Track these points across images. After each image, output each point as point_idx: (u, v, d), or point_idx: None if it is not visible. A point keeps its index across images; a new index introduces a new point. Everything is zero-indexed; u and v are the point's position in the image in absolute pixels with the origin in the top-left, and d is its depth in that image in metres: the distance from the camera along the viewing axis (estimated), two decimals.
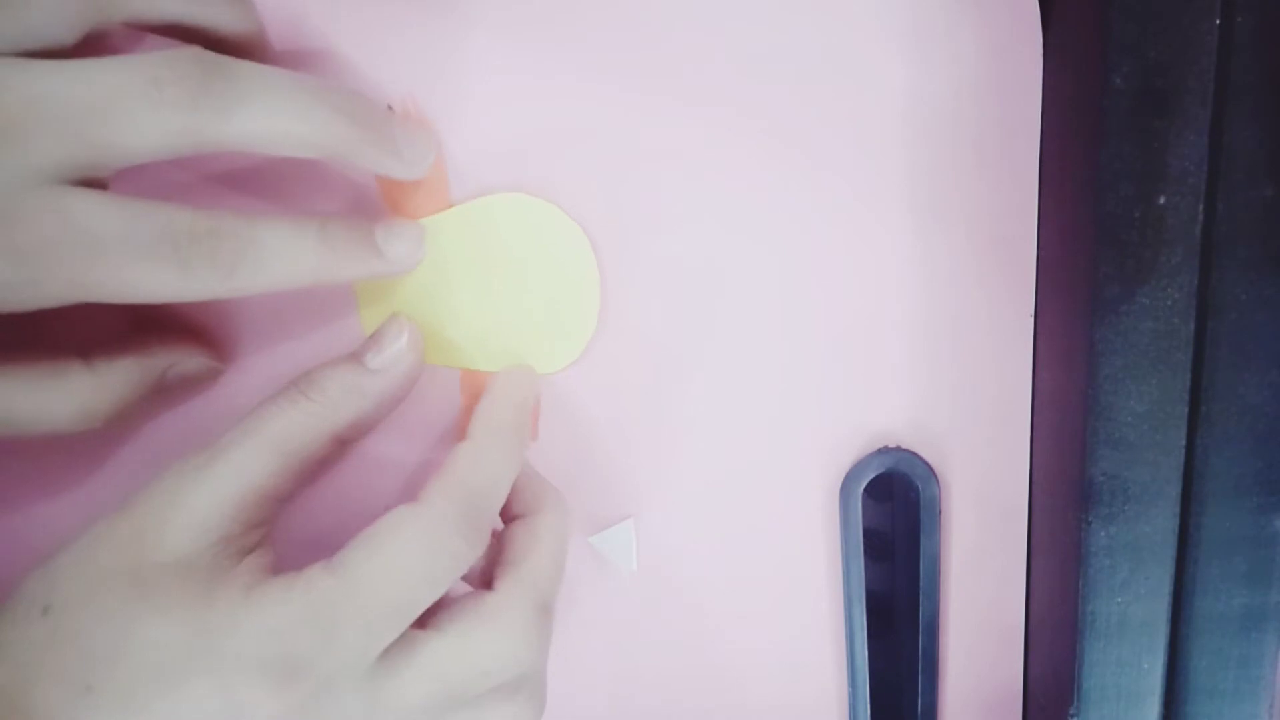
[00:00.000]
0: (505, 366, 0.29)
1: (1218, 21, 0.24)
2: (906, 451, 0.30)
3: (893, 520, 0.34)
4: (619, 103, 0.27)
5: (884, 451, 0.30)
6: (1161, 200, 0.24)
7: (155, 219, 0.22)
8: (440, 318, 0.28)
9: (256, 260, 0.23)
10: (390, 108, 0.27)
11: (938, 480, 0.30)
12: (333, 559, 0.24)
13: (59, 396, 0.24)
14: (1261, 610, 0.28)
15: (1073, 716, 0.29)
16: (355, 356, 0.26)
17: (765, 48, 0.27)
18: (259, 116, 0.23)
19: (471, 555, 0.24)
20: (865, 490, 0.30)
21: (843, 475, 0.30)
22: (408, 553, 0.24)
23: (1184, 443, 0.26)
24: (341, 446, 0.26)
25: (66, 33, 0.22)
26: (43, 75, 0.21)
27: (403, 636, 0.24)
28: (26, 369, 0.24)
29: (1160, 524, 0.27)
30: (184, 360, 0.27)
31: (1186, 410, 0.26)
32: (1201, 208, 0.25)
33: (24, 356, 0.24)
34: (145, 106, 0.21)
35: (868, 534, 0.31)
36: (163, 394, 0.27)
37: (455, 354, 0.29)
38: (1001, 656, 0.32)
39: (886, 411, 0.30)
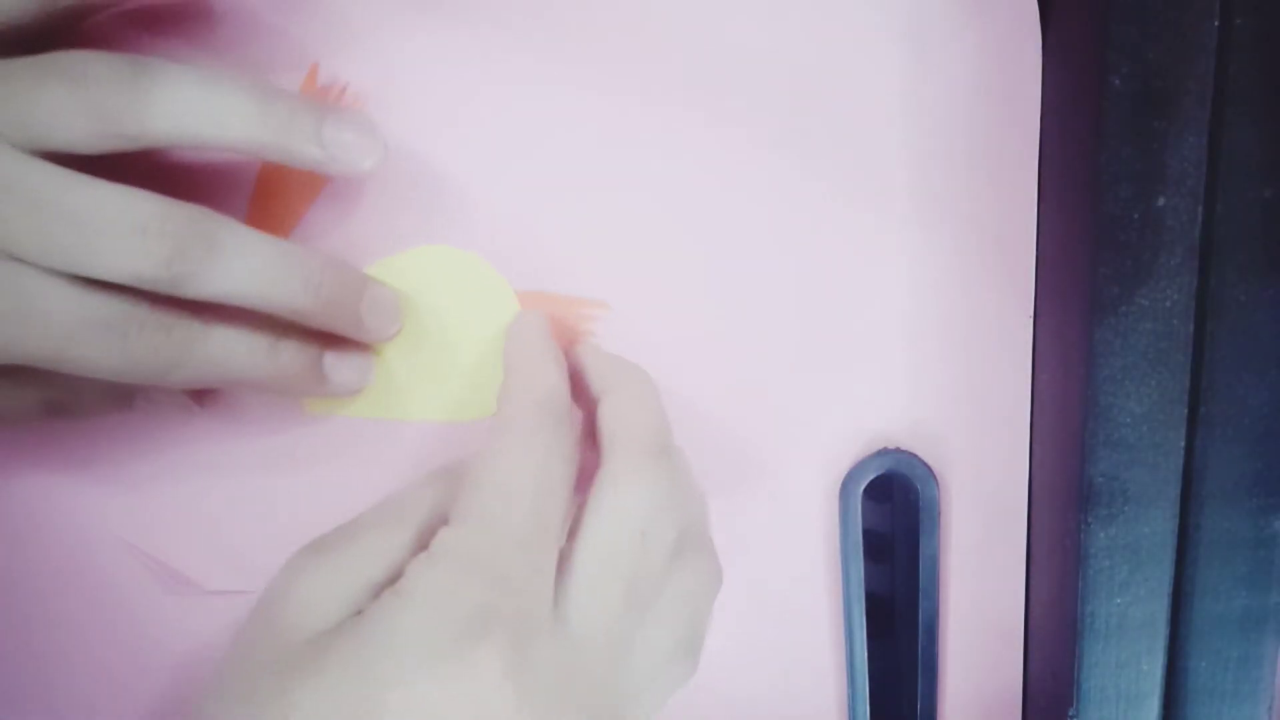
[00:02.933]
0: (438, 412, 0.29)
1: (1217, 22, 0.23)
2: (906, 453, 0.30)
3: (892, 521, 0.34)
4: (616, 103, 0.27)
5: (883, 453, 0.30)
6: (1161, 201, 0.24)
7: (109, 308, 0.22)
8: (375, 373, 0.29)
9: (199, 363, 0.24)
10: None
11: (937, 481, 0.30)
12: (450, 517, 0.23)
13: (27, 391, 0.25)
14: (1261, 611, 0.28)
15: (1072, 717, 0.28)
16: None
17: (765, 48, 0.27)
18: (179, 104, 0.23)
19: (573, 446, 0.24)
20: (865, 491, 0.30)
21: (842, 476, 0.30)
22: (519, 468, 0.23)
23: (1183, 444, 0.26)
24: None
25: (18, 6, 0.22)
26: None
27: (560, 561, 0.23)
28: None
29: (1159, 525, 0.27)
30: (154, 390, 0.27)
31: (1186, 411, 0.26)
32: (1201, 209, 0.25)
33: None
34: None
35: (867, 535, 0.31)
36: (133, 411, 0.27)
37: (388, 405, 0.29)
38: (1001, 657, 0.32)
39: (886, 413, 0.30)
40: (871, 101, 0.27)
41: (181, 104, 0.23)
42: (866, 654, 0.32)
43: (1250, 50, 0.24)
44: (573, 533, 0.24)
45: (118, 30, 0.26)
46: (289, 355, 0.26)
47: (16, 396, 0.25)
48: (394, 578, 0.22)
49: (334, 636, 0.21)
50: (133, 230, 0.22)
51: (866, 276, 0.29)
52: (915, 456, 0.30)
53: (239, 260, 0.23)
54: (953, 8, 0.26)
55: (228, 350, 0.24)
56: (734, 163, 0.28)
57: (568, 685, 0.22)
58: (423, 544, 0.23)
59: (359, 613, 0.22)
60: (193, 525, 0.30)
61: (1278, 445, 0.26)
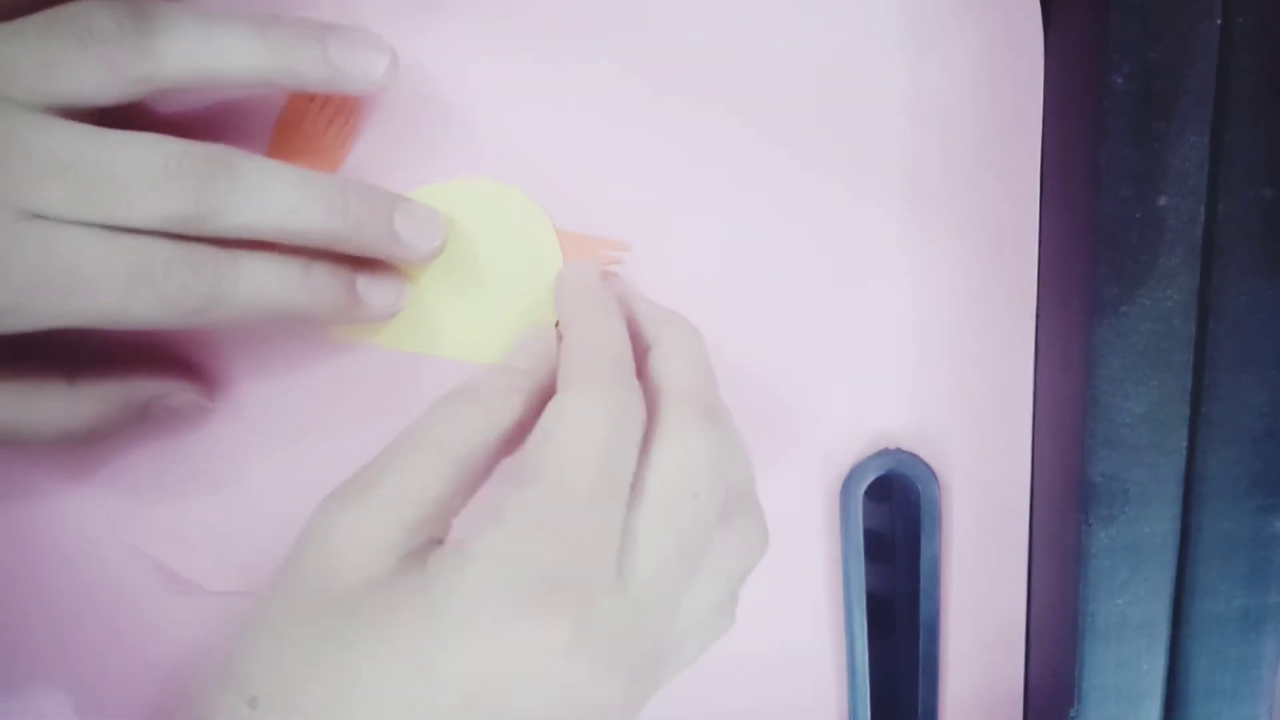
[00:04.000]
0: (466, 350, 0.29)
1: (1218, 22, 0.24)
2: (907, 453, 0.30)
3: (893, 522, 0.34)
4: (618, 101, 0.27)
5: (884, 453, 0.30)
6: (1162, 201, 0.24)
7: (134, 252, 0.22)
8: (407, 302, 0.28)
9: (232, 299, 0.24)
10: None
11: (938, 482, 0.30)
12: (520, 477, 0.23)
13: (38, 411, 0.25)
14: (1261, 612, 0.28)
15: (1073, 717, 0.28)
16: (504, 363, 0.26)
17: (764, 47, 0.27)
18: (184, 43, 0.23)
19: (641, 406, 0.24)
20: (865, 492, 0.30)
21: (843, 477, 0.30)
22: (591, 431, 0.23)
23: (1184, 444, 0.26)
24: (508, 449, 0.25)
25: None
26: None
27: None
28: (10, 382, 0.24)
29: (1160, 525, 0.27)
30: (170, 393, 0.27)
31: (1186, 412, 0.26)
32: (1202, 209, 0.25)
33: (10, 369, 0.24)
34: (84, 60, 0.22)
35: (868, 535, 0.31)
36: (146, 421, 0.27)
37: (420, 340, 0.28)
38: (1002, 658, 0.32)
39: (887, 413, 0.30)
40: (873, 101, 0.27)
41: (186, 43, 0.23)
42: (867, 654, 0.32)
43: (1251, 50, 0.24)
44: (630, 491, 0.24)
45: None
46: (322, 280, 0.25)
47: (32, 425, 0.25)
48: (436, 515, 0.23)
49: (396, 593, 0.21)
50: (154, 172, 0.22)
51: (867, 276, 0.29)
52: (916, 456, 0.30)
53: (262, 190, 0.23)
54: (955, 7, 0.26)
55: (259, 281, 0.24)
56: (734, 162, 0.28)
57: (624, 643, 0.22)
58: (462, 475, 0.23)
59: (410, 554, 0.22)
60: (194, 527, 0.30)
61: (1278, 445, 0.26)
